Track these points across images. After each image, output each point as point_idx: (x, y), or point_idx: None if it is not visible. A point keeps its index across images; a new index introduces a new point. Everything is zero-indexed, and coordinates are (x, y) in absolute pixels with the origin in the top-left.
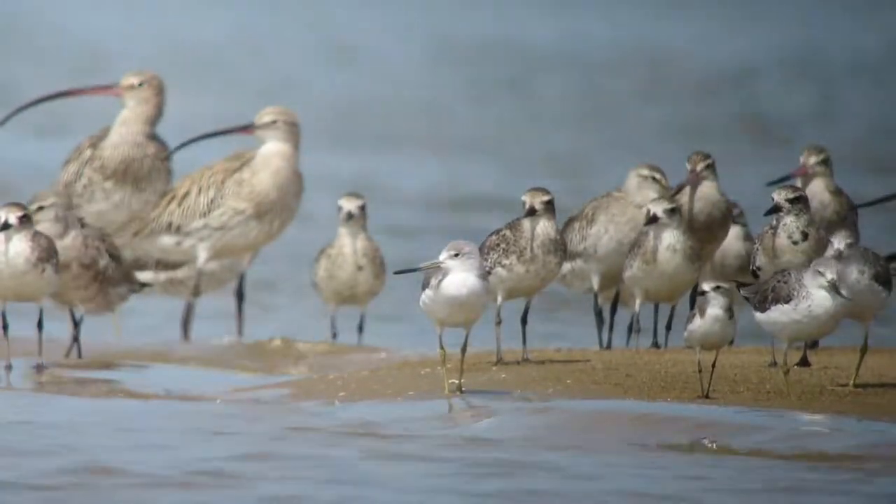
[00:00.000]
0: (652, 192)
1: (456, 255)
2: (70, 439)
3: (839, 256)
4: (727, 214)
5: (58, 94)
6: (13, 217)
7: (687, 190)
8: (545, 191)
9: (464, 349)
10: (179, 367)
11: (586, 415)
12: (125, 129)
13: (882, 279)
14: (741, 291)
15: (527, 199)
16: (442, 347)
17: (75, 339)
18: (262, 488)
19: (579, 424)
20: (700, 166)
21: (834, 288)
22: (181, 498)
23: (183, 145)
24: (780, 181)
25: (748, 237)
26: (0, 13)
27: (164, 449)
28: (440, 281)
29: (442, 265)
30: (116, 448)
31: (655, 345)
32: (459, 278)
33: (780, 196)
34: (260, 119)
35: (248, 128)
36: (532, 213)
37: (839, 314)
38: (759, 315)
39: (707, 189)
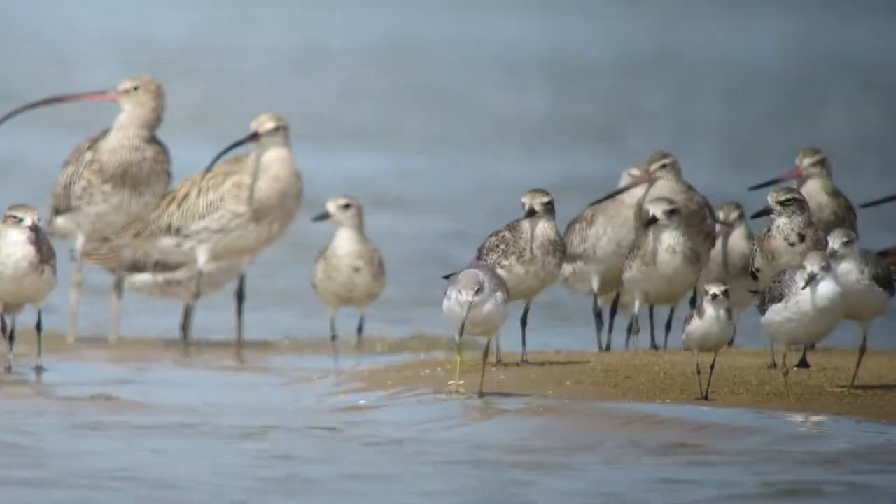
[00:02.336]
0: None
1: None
2: None
3: (833, 255)
4: (698, 213)
5: (52, 100)
6: (37, 217)
7: (636, 190)
8: (545, 192)
9: (486, 354)
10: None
11: (585, 416)
12: (122, 133)
13: (882, 281)
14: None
15: (526, 199)
16: (458, 352)
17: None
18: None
19: (577, 426)
20: (654, 166)
21: (812, 278)
22: None
23: (212, 162)
24: (769, 184)
25: (751, 237)
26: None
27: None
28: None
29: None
30: None
31: (654, 346)
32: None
33: (771, 198)
34: (262, 126)
35: (254, 137)
36: (532, 213)
37: (830, 310)
38: (761, 318)
39: (662, 188)
